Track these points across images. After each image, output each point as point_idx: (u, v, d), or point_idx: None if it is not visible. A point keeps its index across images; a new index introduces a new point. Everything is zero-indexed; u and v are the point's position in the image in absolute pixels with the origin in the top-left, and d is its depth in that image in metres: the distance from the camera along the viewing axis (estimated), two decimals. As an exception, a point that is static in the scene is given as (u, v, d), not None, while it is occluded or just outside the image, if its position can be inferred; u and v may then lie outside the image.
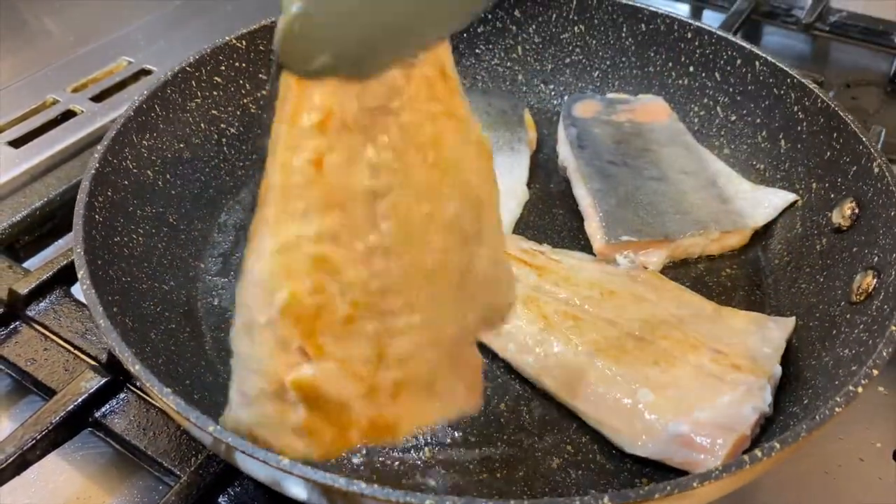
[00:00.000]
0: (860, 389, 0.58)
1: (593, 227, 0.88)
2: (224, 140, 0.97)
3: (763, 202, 0.90)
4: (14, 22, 1.30)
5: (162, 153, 0.89)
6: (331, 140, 0.49)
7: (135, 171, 0.84)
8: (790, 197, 0.89)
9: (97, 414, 0.75)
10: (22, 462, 0.70)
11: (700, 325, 0.77)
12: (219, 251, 0.89)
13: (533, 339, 0.75)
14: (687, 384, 0.70)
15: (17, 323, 0.83)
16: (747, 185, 0.93)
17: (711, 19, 1.33)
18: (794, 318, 0.78)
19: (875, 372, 0.60)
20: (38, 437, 0.70)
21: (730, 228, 0.88)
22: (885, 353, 0.61)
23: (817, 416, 0.57)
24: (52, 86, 1.16)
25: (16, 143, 1.06)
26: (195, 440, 0.72)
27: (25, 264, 0.92)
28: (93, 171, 0.77)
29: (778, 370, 0.73)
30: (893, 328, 0.63)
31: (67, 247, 0.90)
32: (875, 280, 0.72)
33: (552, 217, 0.94)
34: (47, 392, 0.77)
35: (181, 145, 0.91)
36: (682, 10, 0.99)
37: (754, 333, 0.76)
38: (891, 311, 0.66)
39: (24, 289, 0.83)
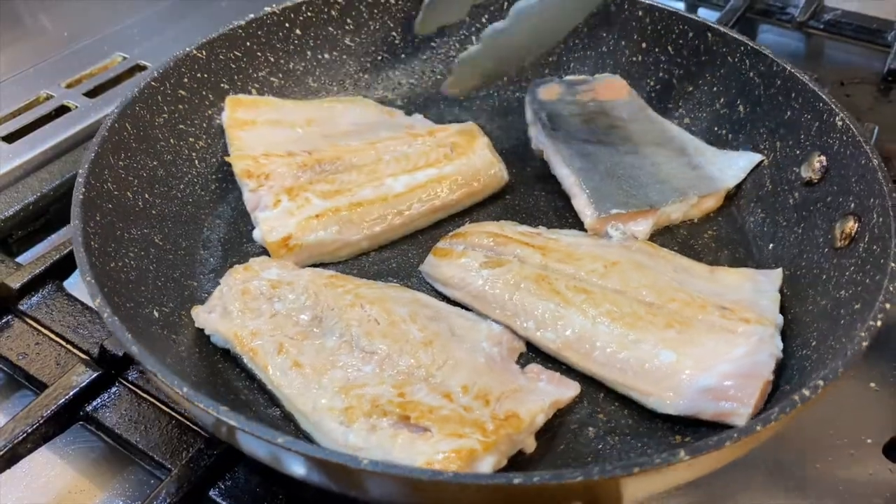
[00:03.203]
0: (879, 324, 0.63)
1: (582, 204, 0.90)
2: (194, 154, 0.94)
3: (731, 165, 0.95)
4: (8, 17, 1.29)
5: (138, 172, 0.86)
6: None
7: (116, 193, 0.81)
8: (756, 157, 0.94)
9: (89, 408, 0.75)
10: (13, 456, 0.70)
11: (700, 286, 0.80)
12: (209, 268, 0.87)
13: (551, 315, 0.77)
14: (704, 341, 0.73)
15: (10, 317, 0.83)
16: (712, 151, 0.98)
17: (706, 17, 1.35)
18: (780, 269, 0.83)
19: (888, 306, 0.64)
20: (30, 430, 0.71)
21: (706, 192, 0.92)
22: (892, 288, 0.66)
23: (848, 353, 0.61)
24: (46, 81, 1.16)
25: (9, 139, 1.06)
26: (187, 433, 0.73)
27: (19, 259, 0.91)
28: (80, 197, 0.74)
29: (780, 318, 0.77)
30: (893, 265, 0.67)
31: (60, 242, 0.90)
32: (857, 224, 0.78)
33: (535, 199, 0.96)
34: (39, 386, 0.77)
35: (154, 163, 0.88)
36: (678, 8, 1.01)
37: (749, 287, 0.81)
38: (883, 249, 0.71)
39: (16, 283, 0.83)
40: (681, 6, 1.40)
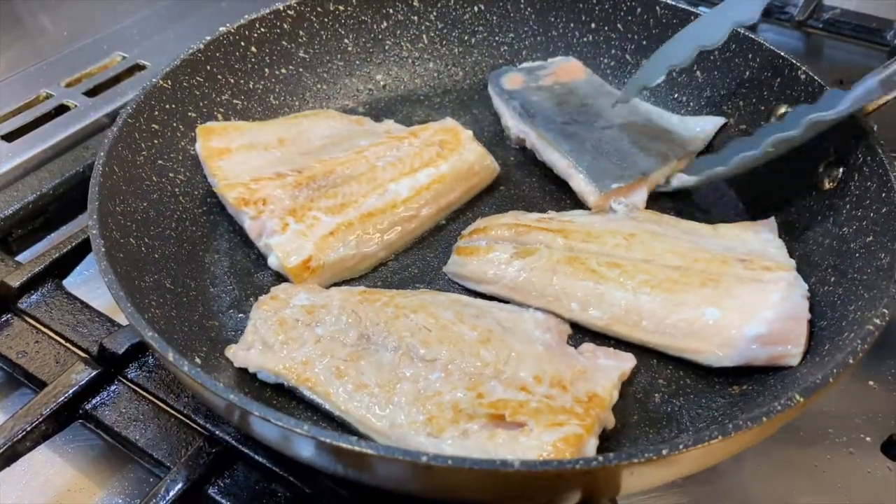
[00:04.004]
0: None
1: (581, 185, 0.93)
2: (177, 190, 0.89)
3: (696, 128, 1.01)
4: (8, 17, 1.29)
5: (133, 217, 0.80)
6: None
7: (122, 241, 0.76)
8: (719, 121, 1.00)
9: (88, 406, 0.75)
10: (12, 454, 0.70)
11: (712, 243, 0.85)
12: (225, 304, 0.83)
13: (592, 294, 0.79)
14: (739, 294, 0.77)
15: (9, 315, 0.83)
16: (676, 118, 1.03)
17: None
18: (773, 217, 0.89)
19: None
20: (29, 428, 0.71)
21: (682, 155, 0.97)
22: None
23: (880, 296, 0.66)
24: (46, 80, 1.16)
25: (9, 137, 1.06)
26: (185, 432, 0.73)
27: (18, 257, 0.90)
28: (102, 251, 0.69)
29: (792, 261, 0.83)
30: (898, 196, 0.74)
31: (59, 240, 0.89)
32: (842, 168, 0.84)
33: (528, 186, 0.98)
34: (38, 384, 0.77)
35: (144, 204, 0.83)
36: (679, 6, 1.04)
37: (753, 238, 0.86)
38: (879, 186, 0.78)
39: (15, 282, 0.83)
40: (681, 6, 1.44)
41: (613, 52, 1.09)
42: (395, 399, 0.70)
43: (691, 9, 1.01)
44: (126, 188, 0.81)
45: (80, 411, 0.75)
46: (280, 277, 0.84)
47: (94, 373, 0.75)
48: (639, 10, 1.05)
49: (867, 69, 0.80)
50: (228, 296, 0.84)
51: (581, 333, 0.80)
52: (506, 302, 0.82)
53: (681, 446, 0.54)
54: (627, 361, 0.76)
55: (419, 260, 0.88)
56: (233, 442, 0.70)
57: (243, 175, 0.89)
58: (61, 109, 1.12)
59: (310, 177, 0.89)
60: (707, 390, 0.76)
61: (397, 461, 0.54)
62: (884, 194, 0.77)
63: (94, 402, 0.75)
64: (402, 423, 0.68)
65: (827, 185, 0.86)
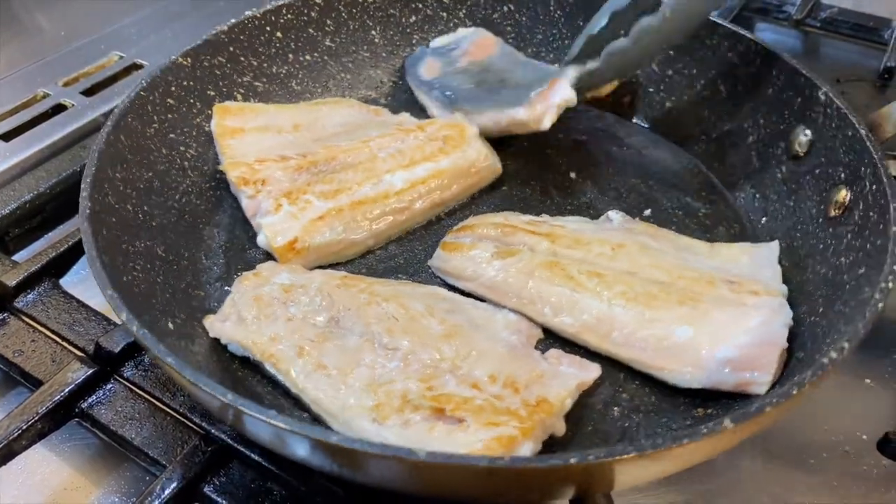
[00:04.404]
0: (891, 285, 0.66)
1: (514, 115, 0.93)
2: (186, 163, 0.93)
3: None
4: (5, 16, 1.30)
5: (134, 185, 0.84)
6: None
7: (117, 206, 0.80)
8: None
9: (84, 405, 0.75)
10: (8, 452, 0.70)
11: (704, 262, 0.83)
12: (214, 276, 0.86)
13: (566, 300, 0.78)
14: (717, 315, 0.75)
15: (5, 314, 0.83)
16: None
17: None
18: (776, 241, 0.86)
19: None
20: (25, 427, 0.71)
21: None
22: (896, 252, 0.68)
23: (867, 314, 0.63)
24: (44, 80, 1.16)
25: (6, 137, 1.06)
26: (181, 430, 0.73)
27: (15, 257, 0.91)
28: (87, 212, 0.73)
29: (785, 289, 0.80)
30: (895, 228, 0.70)
31: (56, 239, 0.90)
32: (849, 193, 0.81)
33: (531, 188, 0.98)
34: (34, 383, 0.77)
35: (149, 174, 0.87)
36: None
37: (750, 261, 0.83)
38: (881, 214, 0.74)
39: (12, 281, 0.84)
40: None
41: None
42: (349, 382, 0.71)
43: (717, 20, 0.98)
44: (131, 157, 0.84)
45: (77, 410, 0.75)
46: (270, 256, 0.87)
47: (90, 371, 0.76)
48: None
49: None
50: (219, 269, 0.87)
51: (554, 340, 0.80)
52: (483, 300, 0.82)
53: (571, 460, 0.53)
54: (591, 372, 0.75)
55: (407, 251, 0.89)
56: (228, 440, 0.71)
57: (250, 155, 0.91)
58: (58, 109, 1.12)
59: (312, 161, 0.91)
60: (670, 410, 0.74)
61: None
62: (881, 226, 0.73)
63: (90, 400, 0.75)
64: (352, 406, 0.69)
65: (832, 211, 0.82)
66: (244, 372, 0.76)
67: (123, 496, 0.73)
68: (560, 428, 0.70)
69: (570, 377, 0.73)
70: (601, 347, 0.77)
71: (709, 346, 0.73)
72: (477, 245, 0.84)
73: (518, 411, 0.67)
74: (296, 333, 0.76)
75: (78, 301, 0.85)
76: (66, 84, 1.16)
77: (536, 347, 0.78)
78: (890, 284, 0.66)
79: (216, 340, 0.78)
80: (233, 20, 0.98)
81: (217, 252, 0.88)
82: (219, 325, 0.78)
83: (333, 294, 0.79)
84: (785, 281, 0.81)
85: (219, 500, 0.69)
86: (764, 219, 0.91)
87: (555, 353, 0.76)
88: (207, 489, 0.70)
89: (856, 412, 0.78)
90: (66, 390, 0.74)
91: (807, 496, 0.72)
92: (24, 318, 0.83)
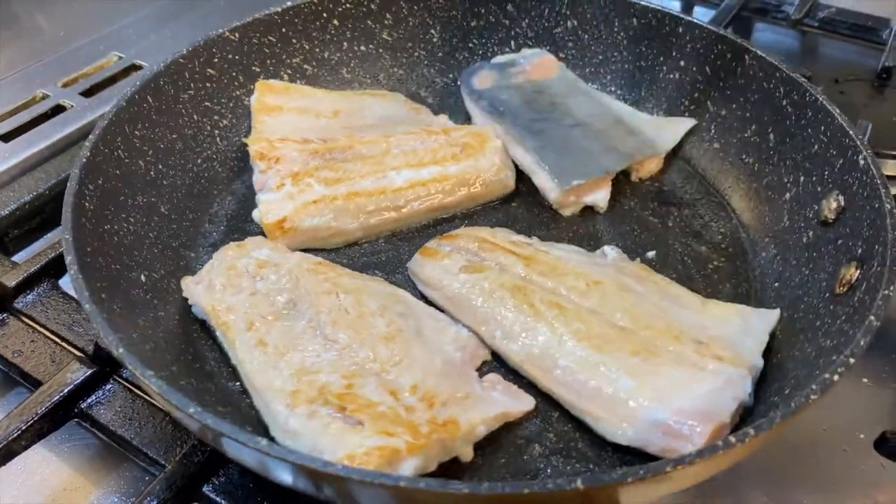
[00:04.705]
0: (836, 378, 0.59)
1: (543, 181, 0.93)
2: (217, 131, 0.98)
3: (667, 129, 0.99)
4: (5, 17, 1.31)
5: (154, 143, 0.89)
6: None
7: (126, 160, 0.85)
8: (689, 122, 0.99)
9: (83, 405, 0.76)
10: (8, 453, 0.71)
11: (684, 317, 0.77)
12: (209, 241, 0.90)
13: (520, 327, 0.76)
14: (668, 373, 0.70)
15: (5, 315, 0.84)
16: (646, 117, 1.00)
17: (702, 15, 1.34)
18: (778, 309, 0.79)
19: (852, 360, 0.60)
20: (24, 427, 0.71)
21: (649, 154, 0.96)
22: (862, 343, 0.61)
23: (792, 404, 0.57)
24: (43, 81, 1.17)
25: (6, 138, 1.07)
26: (180, 430, 0.74)
27: (14, 258, 0.92)
28: (83, 160, 0.78)
29: (759, 361, 0.73)
30: (872, 318, 0.63)
31: (56, 240, 0.90)
32: (858, 272, 0.73)
33: (540, 210, 0.95)
34: (34, 383, 0.78)
35: (174, 136, 0.92)
36: (674, 7, 1.00)
37: (738, 325, 0.77)
38: (871, 301, 0.66)
39: (11, 281, 0.85)
40: (676, 5, 1.37)
41: (696, 95, 1.01)
42: (280, 365, 0.73)
43: (777, 64, 0.91)
44: (157, 118, 0.90)
45: (76, 410, 0.75)
46: (265, 231, 0.90)
47: (89, 372, 0.75)
48: (729, 55, 0.96)
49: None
50: (218, 235, 0.91)
51: (500, 365, 0.77)
52: (444, 311, 0.81)
53: (421, 484, 0.51)
54: (522, 404, 0.72)
55: (393, 250, 0.90)
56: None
57: (277, 133, 0.95)
58: (58, 109, 1.11)
59: (329, 147, 0.93)
60: (593, 461, 0.70)
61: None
62: (866, 312, 0.65)
63: (89, 401, 0.75)
64: (276, 387, 0.71)
65: (839, 288, 0.74)
66: (200, 334, 0.80)
67: (123, 496, 0.73)
68: (467, 454, 0.68)
69: (496, 405, 0.71)
70: (541, 382, 0.74)
71: (646, 403, 0.68)
72: (451, 255, 0.83)
73: (419, 427, 0.66)
74: (254, 308, 0.78)
75: (77, 302, 0.82)
76: (65, 85, 1.16)
77: (479, 369, 0.77)
78: (836, 377, 0.59)
79: (186, 300, 0.82)
80: (289, 2, 1.02)
81: (221, 219, 0.93)
82: (192, 287, 0.82)
83: (301, 277, 0.81)
84: (770, 354, 0.75)
85: (218, 500, 0.69)
86: (776, 283, 0.84)
87: (493, 378, 0.74)
88: (206, 489, 0.70)
89: (854, 412, 0.78)
90: (66, 391, 0.74)
91: (804, 495, 0.72)
92: (23, 318, 0.83)
